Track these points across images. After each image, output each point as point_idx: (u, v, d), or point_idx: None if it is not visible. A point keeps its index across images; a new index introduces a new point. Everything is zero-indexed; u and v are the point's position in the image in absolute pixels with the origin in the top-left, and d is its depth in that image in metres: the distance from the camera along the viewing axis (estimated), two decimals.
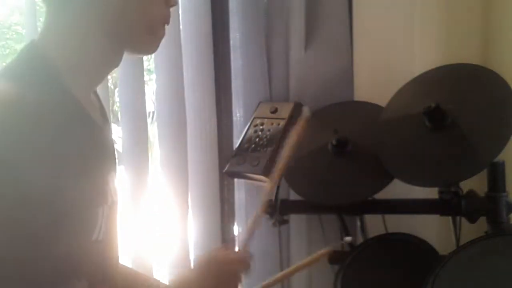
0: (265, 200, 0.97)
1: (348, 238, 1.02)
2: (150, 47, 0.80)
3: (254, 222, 0.94)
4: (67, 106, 0.69)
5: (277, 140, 1.30)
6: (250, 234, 0.93)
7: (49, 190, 0.61)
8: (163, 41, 0.81)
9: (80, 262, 0.67)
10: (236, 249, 0.94)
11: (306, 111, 0.95)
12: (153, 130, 1.50)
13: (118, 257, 0.87)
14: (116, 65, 0.79)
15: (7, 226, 0.58)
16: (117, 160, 0.83)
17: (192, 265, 1.45)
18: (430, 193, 1.16)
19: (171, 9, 0.80)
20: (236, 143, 1.39)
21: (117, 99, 1.40)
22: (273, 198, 1.28)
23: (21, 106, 0.62)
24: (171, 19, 0.81)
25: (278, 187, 1.29)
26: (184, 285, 0.87)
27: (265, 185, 1.00)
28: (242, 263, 0.90)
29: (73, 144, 0.66)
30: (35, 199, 0.59)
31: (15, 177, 0.58)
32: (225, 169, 1.34)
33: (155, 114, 1.45)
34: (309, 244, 1.44)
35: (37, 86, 0.67)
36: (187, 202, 1.44)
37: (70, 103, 0.70)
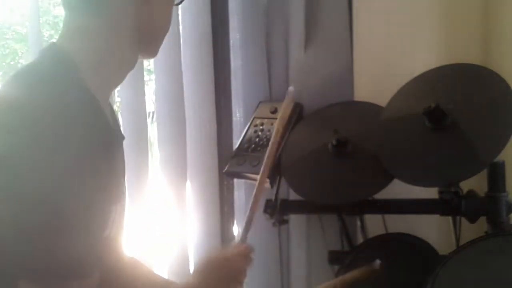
0: (259, 191, 0.96)
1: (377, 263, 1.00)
2: (155, 50, 0.85)
3: (250, 215, 0.95)
4: (89, 108, 0.70)
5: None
6: (247, 226, 0.94)
7: (57, 191, 0.61)
8: (163, 41, 0.83)
9: (93, 258, 0.68)
10: (236, 244, 0.95)
11: (291, 91, 0.97)
12: (153, 130, 1.50)
13: (122, 250, 0.88)
14: (132, 68, 0.82)
15: (21, 224, 0.59)
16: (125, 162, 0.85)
17: (192, 266, 1.46)
18: (430, 193, 1.16)
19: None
20: (236, 143, 1.39)
21: (117, 99, 1.40)
22: (273, 197, 1.28)
23: (43, 105, 0.63)
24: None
25: (278, 187, 1.29)
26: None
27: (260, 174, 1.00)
28: (243, 257, 0.90)
29: (92, 145, 0.67)
30: (43, 198, 0.60)
31: (34, 175, 0.59)
32: (225, 169, 1.34)
33: (155, 114, 1.45)
34: (309, 244, 1.44)
35: (59, 86, 0.68)
36: (187, 202, 1.44)
37: (92, 104, 0.71)
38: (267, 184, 1.27)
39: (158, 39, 0.83)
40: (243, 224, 0.95)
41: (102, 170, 0.68)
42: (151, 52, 0.85)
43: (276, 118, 1.35)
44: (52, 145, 0.61)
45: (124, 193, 0.80)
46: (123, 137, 0.83)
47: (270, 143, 0.99)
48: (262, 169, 0.99)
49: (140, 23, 0.77)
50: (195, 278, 0.88)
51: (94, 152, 0.67)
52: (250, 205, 0.96)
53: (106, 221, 0.69)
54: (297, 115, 1.37)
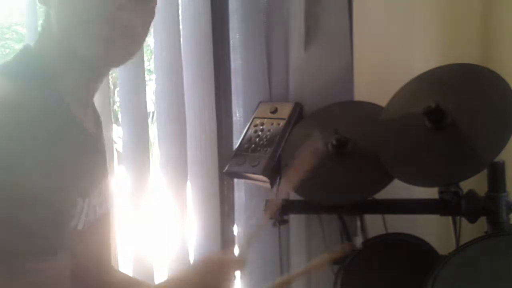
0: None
1: (357, 239, 0.99)
2: (87, 52, 0.73)
3: (256, 232, 0.93)
4: (57, 108, 0.71)
5: (277, 140, 1.30)
6: (251, 242, 0.92)
7: (25, 167, 0.62)
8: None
9: (53, 236, 0.67)
10: (235, 252, 0.94)
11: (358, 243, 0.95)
12: (153, 130, 1.50)
13: (109, 261, 0.87)
14: (102, 76, 0.80)
15: None
16: (108, 169, 0.85)
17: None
18: (430, 193, 1.16)
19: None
20: (236, 143, 1.39)
21: (117, 99, 1.40)
22: (273, 197, 1.28)
23: (12, 106, 0.64)
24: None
25: (278, 187, 1.29)
26: (172, 284, 0.87)
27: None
28: (235, 264, 0.89)
29: (58, 139, 0.68)
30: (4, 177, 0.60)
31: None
32: (225, 169, 1.34)
33: (155, 114, 1.45)
34: (309, 244, 1.44)
35: (30, 87, 0.69)
36: (187, 202, 1.44)
37: (60, 106, 0.71)
38: (267, 184, 1.28)
39: (81, 39, 0.72)
40: (247, 238, 0.94)
41: (63, 162, 0.68)
42: (84, 55, 0.73)
43: (276, 118, 1.35)
44: (14, 132, 0.62)
45: (104, 201, 0.79)
46: (102, 138, 0.84)
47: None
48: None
49: (55, 24, 0.73)
50: (181, 273, 0.88)
51: (54, 143, 0.67)
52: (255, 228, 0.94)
53: (70, 210, 0.69)
54: (297, 115, 1.37)
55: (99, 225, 0.79)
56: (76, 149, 0.73)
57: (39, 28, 0.78)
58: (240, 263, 0.89)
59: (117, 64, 0.79)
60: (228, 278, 0.87)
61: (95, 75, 0.80)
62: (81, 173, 0.73)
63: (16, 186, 0.61)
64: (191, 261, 1.46)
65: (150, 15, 0.80)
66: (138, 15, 0.75)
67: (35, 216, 0.62)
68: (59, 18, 0.73)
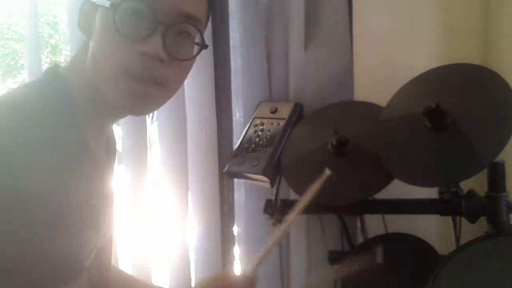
0: (276, 239, 0.93)
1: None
2: (112, 101, 0.71)
3: (266, 252, 0.91)
4: (73, 134, 0.69)
5: (277, 140, 1.30)
6: (261, 262, 0.91)
7: (42, 192, 0.60)
8: None
9: (76, 261, 0.67)
10: (245, 271, 0.92)
11: (327, 172, 0.95)
12: (153, 130, 1.49)
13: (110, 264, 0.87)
14: (123, 116, 0.79)
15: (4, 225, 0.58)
16: (114, 199, 0.83)
17: (192, 266, 1.46)
18: (430, 193, 1.16)
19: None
20: (236, 143, 1.39)
21: None
22: (273, 197, 1.28)
23: (27, 119, 0.62)
24: None
25: (278, 187, 1.29)
26: None
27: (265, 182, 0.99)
28: (248, 284, 0.88)
29: (65, 164, 0.66)
30: (28, 199, 0.59)
31: (9, 176, 0.58)
32: (225, 169, 1.34)
33: (155, 114, 1.45)
34: (309, 244, 1.44)
35: (48, 103, 0.68)
36: (187, 202, 1.44)
37: (76, 133, 0.70)
38: (267, 184, 1.28)
39: (104, 87, 0.70)
40: (260, 254, 0.91)
41: (77, 182, 0.67)
42: (108, 103, 0.71)
43: (276, 118, 1.35)
44: (32, 151, 0.61)
45: (107, 227, 0.78)
46: (112, 169, 0.83)
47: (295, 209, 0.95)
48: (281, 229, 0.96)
49: (89, 65, 0.71)
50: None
51: (73, 164, 0.67)
52: (272, 241, 0.93)
53: (85, 246, 0.68)
54: (297, 115, 1.37)
55: (103, 250, 0.79)
56: (86, 178, 0.71)
57: (75, 53, 0.76)
58: (251, 281, 0.88)
59: (139, 114, 0.77)
60: None
61: (116, 115, 0.79)
62: (93, 205, 0.72)
63: (30, 222, 0.59)
64: (191, 261, 1.46)
65: (189, 64, 0.77)
66: (173, 67, 0.72)
67: (65, 240, 0.62)
68: (93, 56, 0.70)
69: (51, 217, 0.61)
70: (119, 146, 1.48)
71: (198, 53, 0.76)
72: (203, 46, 0.76)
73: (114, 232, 0.84)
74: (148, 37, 0.67)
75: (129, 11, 0.67)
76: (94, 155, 0.74)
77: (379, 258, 0.95)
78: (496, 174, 1.09)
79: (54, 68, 0.74)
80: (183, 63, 0.74)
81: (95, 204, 0.72)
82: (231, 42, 1.45)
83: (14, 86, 0.71)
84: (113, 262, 0.91)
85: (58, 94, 0.70)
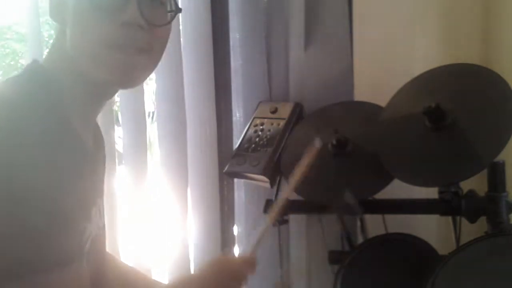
0: (274, 215, 0.94)
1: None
2: (99, 77, 0.71)
3: (264, 233, 0.92)
4: (59, 124, 0.70)
5: (277, 140, 1.30)
6: (259, 243, 0.91)
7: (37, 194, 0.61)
8: None
9: (68, 246, 0.67)
10: (243, 253, 0.94)
11: (317, 143, 0.95)
12: (153, 130, 1.49)
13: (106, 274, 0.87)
14: (109, 97, 0.79)
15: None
16: (103, 189, 0.84)
17: (192, 265, 1.46)
18: (430, 193, 1.16)
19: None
20: (236, 143, 1.39)
21: (117, 99, 1.40)
22: (273, 197, 1.28)
23: (15, 116, 0.63)
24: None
25: (278, 187, 1.29)
26: (184, 285, 0.87)
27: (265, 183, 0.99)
28: (248, 265, 0.89)
29: (60, 158, 0.66)
30: (27, 199, 0.60)
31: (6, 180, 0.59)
32: (225, 169, 1.34)
33: (155, 114, 1.45)
34: (309, 244, 1.44)
35: (34, 97, 0.68)
36: (187, 202, 1.44)
37: (63, 122, 0.70)
38: (267, 184, 1.28)
39: (89, 65, 0.71)
40: (257, 235, 0.93)
41: (66, 183, 0.67)
42: (94, 81, 0.72)
43: (276, 118, 1.35)
44: (17, 142, 0.61)
45: (99, 218, 0.79)
46: (101, 158, 0.84)
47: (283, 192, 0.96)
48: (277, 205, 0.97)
49: (69, 49, 0.72)
50: (192, 276, 0.88)
51: (62, 157, 0.67)
52: (267, 219, 0.94)
53: (82, 235, 0.70)
54: (297, 115, 1.37)
55: (97, 240, 0.79)
56: (80, 170, 0.72)
57: (51, 43, 0.76)
58: (251, 263, 0.89)
59: (130, 86, 0.76)
60: (240, 276, 0.87)
61: (102, 97, 0.79)
62: (86, 197, 0.73)
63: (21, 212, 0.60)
64: (191, 261, 1.46)
65: (167, 31, 0.78)
66: (153, 34, 0.73)
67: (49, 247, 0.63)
68: (72, 40, 0.71)
69: (50, 212, 0.62)
70: (119, 146, 1.48)
71: (173, 18, 0.78)
72: (177, 10, 0.78)
73: (104, 222, 0.84)
74: (124, 6, 0.69)
75: None
76: (85, 147, 0.75)
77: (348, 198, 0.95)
78: (496, 174, 1.09)
79: (34, 63, 0.75)
80: (161, 29, 0.75)
81: (88, 195, 0.73)
82: (231, 42, 1.46)
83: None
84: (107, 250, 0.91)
85: (43, 87, 0.70)
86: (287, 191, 0.94)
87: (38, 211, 0.61)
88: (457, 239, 1.14)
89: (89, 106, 0.78)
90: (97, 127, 0.87)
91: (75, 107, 0.73)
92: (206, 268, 0.86)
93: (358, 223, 1.30)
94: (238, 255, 0.93)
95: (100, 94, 0.78)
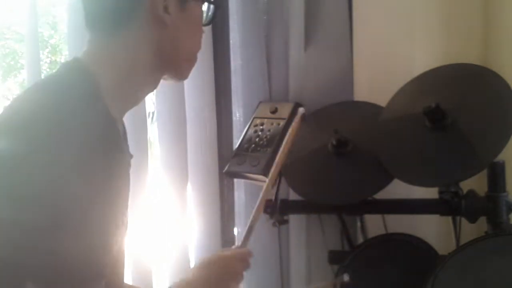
0: (264, 198, 0.97)
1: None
2: (186, 74, 0.85)
3: (253, 220, 0.95)
4: (105, 125, 0.69)
5: (277, 140, 1.30)
6: (249, 232, 0.94)
7: (69, 192, 0.60)
8: None
9: (97, 263, 0.67)
10: (236, 246, 0.96)
11: (301, 110, 0.97)
12: (153, 130, 1.50)
13: (124, 270, 0.88)
14: (152, 90, 0.83)
15: (23, 225, 0.58)
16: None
17: (191, 266, 1.46)
18: (430, 193, 1.16)
19: None
20: (236, 143, 1.39)
21: None
22: (273, 197, 1.28)
23: (59, 116, 0.63)
24: None
25: (278, 187, 1.29)
26: (186, 286, 0.87)
27: (264, 183, 1.00)
28: (242, 260, 0.91)
29: (103, 164, 0.66)
30: (56, 201, 0.59)
31: (37, 178, 0.59)
32: (225, 169, 1.34)
33: (155, 114, 1.45)
34: (309, 244, 1.44)
35: (79, 100, 0.67)
36: (187, 202, 1.44)
37: (108, 123, 0.70)
38: None
39: (183, 63, 0.82)
40: (246, 228, 0.96)
41: (108, 185, 0.67)
42: (179, 75, 0.84)
43: (276, 118, 1.35)
44: (62, 152, 0.61)
45: (126, 220, 0.79)
46: (131, 156, 0.85)
47: (275, 162, 1.00)
48: (269, 176, 0.99)
49: (160, 48, 0.76)
50: (191, 275, 0.88)
51: (102, 164, 0.66)
52: (253, 211, 0.96)
53: (112, 234, 0.69)
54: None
55: (123, 241, 0.80)
56: (124, 174, 0.74)
57: (88, 45, 0.76)
58: (245, 255, 0.91)
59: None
60: (236, 273, 0.88)
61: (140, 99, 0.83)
62: (125, 198, 0.74)
63: (60, 214, 0.60)
64: (191, 261, 1.46)
65: None
66: None
67: (79, 244, 0.62)
68: (179, 42, 0.79)
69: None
70: None
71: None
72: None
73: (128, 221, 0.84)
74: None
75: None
76: (121, 143, 0.76)
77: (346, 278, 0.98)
78: (496, 174, 1.09)
79: (75, 61, 0.74)
80: None
81: (126, 197, 0.77)
82: (231, 42, 1.45)
83: (18, 86, 0.70)
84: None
85: (91, 94, 0.70)
86: (278, 160, 0.99)
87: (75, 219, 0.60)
88: (457, 239, 1.14)
89: (130, 104, 0.80)
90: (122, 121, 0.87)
91: (115, 110, 0.73)
92: (202, 271, 0.87)
93: (358, 223, 1.30)
94: (231, 250, 0.94)
95: (149, 92, 0.84)
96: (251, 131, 1.36)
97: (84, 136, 0.63)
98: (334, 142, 1.19)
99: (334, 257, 1.24)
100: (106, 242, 0.67)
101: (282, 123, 1.34)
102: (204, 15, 0.85)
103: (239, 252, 0.92)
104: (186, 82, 1.42)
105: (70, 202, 0.60)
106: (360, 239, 1.30)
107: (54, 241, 0.59)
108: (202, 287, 0.85)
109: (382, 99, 1.23)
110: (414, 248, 1.13)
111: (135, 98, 0.81)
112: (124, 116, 0.82)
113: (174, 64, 0.80)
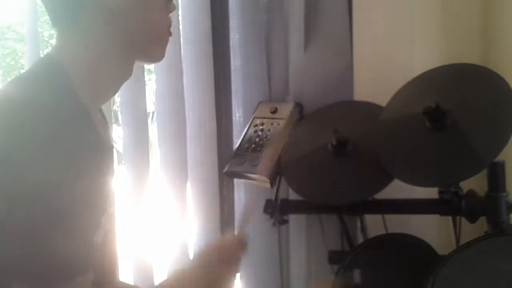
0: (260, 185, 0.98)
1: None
2: (158, 55, 0.83)
3: (249, 205, 0.97)
4: (78, 117, 0.70)
5: (277, 140, 1.30)
6: (246, 217, 0.96)
7: (50, 190, 0.61)
8: None
9: (82, 258, 0.67)
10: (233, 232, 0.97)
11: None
12: (153, 130, 1.50)
13: (117, 265, 0.87)
14: (127, 78, 0.81)
15: (8, 224, 0.58)
16: (115, 173, 0.84)
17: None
18: (430, 193, 1.16)
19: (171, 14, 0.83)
20: (236, 143, 1.39)
21: (117, 99, 1.40)
22: (273, 196, 1.28)
23: (31, 107, 0.63)
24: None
25: (278, 187, 1.29)
26: (188, 276, 0.87)
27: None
28: (238, 243, 0.92)
29: (79, 151, 0.67)
30: (36, 197, 0.59)
31: (17, 175, 0.59)
32: (225, 169, 1.34)
33: (155, 114, 1.45)
34: (309, 244, 1.44)
35: (49, 90, 0.68)
36: (187, 202, 1.44)
37: (81, 114, 0.71)
38: (267, 184, 1.28)
39: (149, 46, 0.81)
40: (241, 214, 0.97)
41: (89, 176, 0.67)
42: (150, 58, 0.84)
43: (276, 118, 1.35)
44: (40, 148, 0.61)
45: (111, 204, 0.79)
46: (112, 146, 0.83)
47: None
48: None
49: (119, 36, 0.75)
50: (191, 265, 0.88)
51: (82, 158, 0.67)
52: (248, 201, 0.98)
53: (94, 228, 0.69)
54: (297, 115, 1.37)
55: (110, 234, 0.80)
56: (99, 164, 0.73)
57: (56, 40, 0.77)
58: (241, 243, 0.92)
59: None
60: (234, 263, 0.88)
61: (119, 86, 0.81)
62: (104, 189, 0.73)
63: (45, 212, 0.60)
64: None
65: None
66: None
67: (71, 238, 0.63)
68: (137, 24, 0.78)
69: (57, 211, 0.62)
70: (120, 147, 1.48)
71: None
72: None
73: (115, 207, 0.84)
74: None
75: None
76: (98, 132, 0.75)
77: (357, 278, 0.98)
78: (496, 174, 1.09)
79: (45, 58, 0.75)
80: None
81: (104, 185, 0.74)
82: (231, 42, 1.46)
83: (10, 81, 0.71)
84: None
85: (63, 87, 0.70)
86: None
87: (46, 209, 0.60)
88: (457, 239, 1.14)
89: (99, 102, 0.79)
90: (101, 111, 0.87)
91: (90, 103, 0.74)
92: (200, 263, 0.87)
93: (358, 223, 1.30)
94: (228, 236, 0.95)
95: (124, 79, 0.82)
96: (251, 131, 1.36)
97: (55, 128, 0.64)
98: (334, 142, 1.18)
99: (334, 257, 1.24)
100: (87, 238, 0.67)
101: (282, 123, 1.34)
102: None
103: (236, 236, 0.94)
104: (186, 82, 1.42)
105: (53, 200, 0.60)
106: (360, 239, 1.30)
107: (38, 238, 0.60)
108: (203, 274, 0.85)
109: (382, 99, 1.23)
110: (414, 248, 1.13)
111: (112, 88, 0.80)
112: (103, 104, 0.81)
113: (140, 49, 0.80)
